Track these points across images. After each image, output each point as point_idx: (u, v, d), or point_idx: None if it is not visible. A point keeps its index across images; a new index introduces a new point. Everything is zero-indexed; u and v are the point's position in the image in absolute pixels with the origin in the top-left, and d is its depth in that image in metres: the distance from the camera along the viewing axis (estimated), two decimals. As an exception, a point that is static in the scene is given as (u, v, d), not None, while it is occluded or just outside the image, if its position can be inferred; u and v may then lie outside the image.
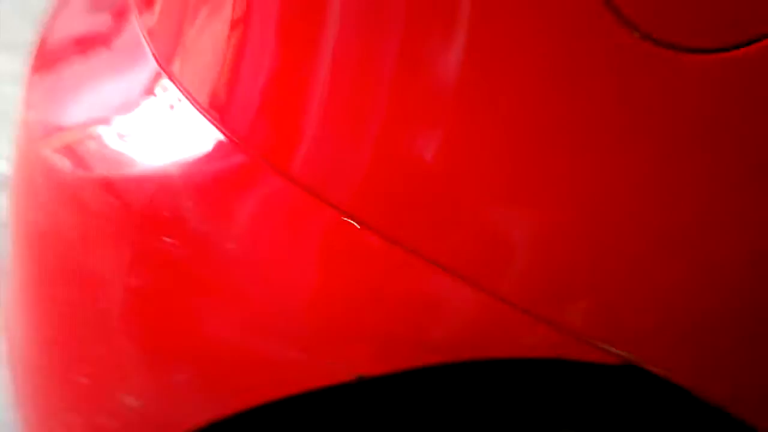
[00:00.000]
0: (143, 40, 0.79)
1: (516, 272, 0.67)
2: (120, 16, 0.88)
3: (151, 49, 0.77)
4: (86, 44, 0.89)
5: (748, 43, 0.62)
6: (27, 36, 1.05)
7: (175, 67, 0.73)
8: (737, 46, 0.62)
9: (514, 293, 0.67)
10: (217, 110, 0.70)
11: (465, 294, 0.68)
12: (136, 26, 0.80)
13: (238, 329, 0.70)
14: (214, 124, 0.70)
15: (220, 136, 0.69)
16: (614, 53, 0.63)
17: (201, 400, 0.73)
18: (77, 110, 0.81)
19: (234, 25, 0.69)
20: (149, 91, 0.75)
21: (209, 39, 0.70)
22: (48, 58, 0.91)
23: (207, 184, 0.70)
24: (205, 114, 0.70)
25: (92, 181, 0.75)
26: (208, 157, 0.70)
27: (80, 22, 0.95)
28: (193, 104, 0.71)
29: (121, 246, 0.73)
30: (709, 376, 0.70)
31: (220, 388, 0.72)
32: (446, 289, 0.68)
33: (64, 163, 0.77)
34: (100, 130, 0.76)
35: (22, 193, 0.83)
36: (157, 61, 0.75)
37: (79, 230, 0.76)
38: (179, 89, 0.72)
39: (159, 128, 0.73)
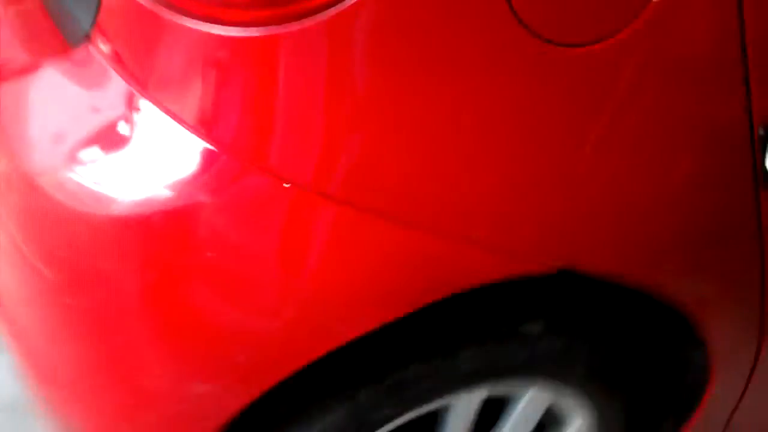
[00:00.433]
0: (105, 64, 0.91)
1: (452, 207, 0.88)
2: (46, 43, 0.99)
3: (119, 73, 0.89)
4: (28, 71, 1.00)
5: (604, 39, 0.85)
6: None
7: (154, 89, 0.86)
8: (596, 41, 0.85)
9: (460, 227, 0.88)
10: (205, 125, 0.84)
11: (419, 240, 0.87)
12: (94, 51, 0.92)
13: (284, 311, 0.88)
14: (202, 137, 0.85)
15: (210, 147, 0.85)
16: (506, 44, 0.83)
17: (254, 375, 0.89)
18: (58, 143, 0.90)
19: (220, 66, 0.82)
20: (126, 112, 0.88)
21: (198, 72, 0.83)
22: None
23: (211, 189, 0.83)
24: (191, 129, 0.85)
25: (108, 215, 0.86)
26: (204, 166, 0.84)
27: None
28: (177, 122, 0.86)
29: (156, 262, 0.86)
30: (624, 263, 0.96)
31: (272, 359, 0.89)
32: (402, 240, 0.88)
33: (67, 197, 0.87)
34: (92, 156, 0.87)
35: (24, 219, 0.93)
36: (130, 83, 0.88)
37: (108, 256, 0.87)
38: (160, 109, 0.86)
39: (149, 146, 0.85)
